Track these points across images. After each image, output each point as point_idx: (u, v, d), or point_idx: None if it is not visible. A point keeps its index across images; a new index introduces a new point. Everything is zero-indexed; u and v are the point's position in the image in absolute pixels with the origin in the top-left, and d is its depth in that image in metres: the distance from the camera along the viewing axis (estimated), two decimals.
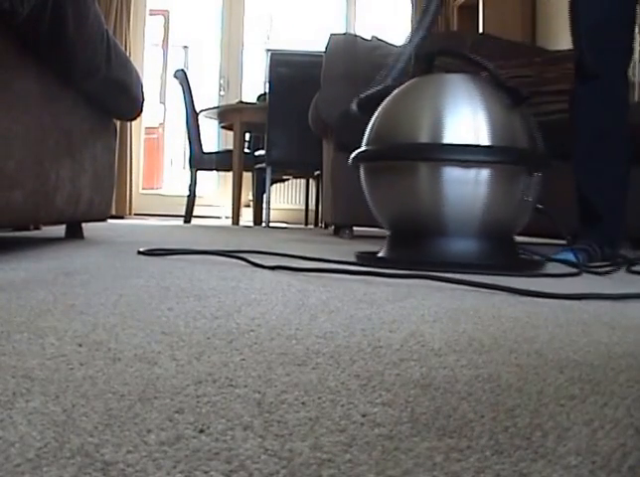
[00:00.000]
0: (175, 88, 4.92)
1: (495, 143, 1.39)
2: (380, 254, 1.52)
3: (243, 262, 1.33)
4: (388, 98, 1.55)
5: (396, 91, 1.55)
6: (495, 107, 1.44)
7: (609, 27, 1.64)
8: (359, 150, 1.56)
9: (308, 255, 1.44)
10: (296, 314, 0.72)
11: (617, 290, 1.01)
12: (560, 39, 4.93)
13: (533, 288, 0.98)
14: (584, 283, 1.20)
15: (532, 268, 1.42)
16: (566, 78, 3.36)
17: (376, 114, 1.57)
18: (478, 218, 1.40)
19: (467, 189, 1.38)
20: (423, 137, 1.42)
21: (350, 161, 1.61)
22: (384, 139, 1.51)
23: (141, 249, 1.49)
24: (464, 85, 1.46)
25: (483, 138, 1.39)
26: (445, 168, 1.39)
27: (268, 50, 4.84)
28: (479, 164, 1.38)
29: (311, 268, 1.17)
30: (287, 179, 5.14)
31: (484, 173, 1.38)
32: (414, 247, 1.44)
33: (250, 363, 0.49)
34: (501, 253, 1.44)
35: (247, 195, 5.32)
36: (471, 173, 1.38)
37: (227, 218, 5.28)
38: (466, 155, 1.37)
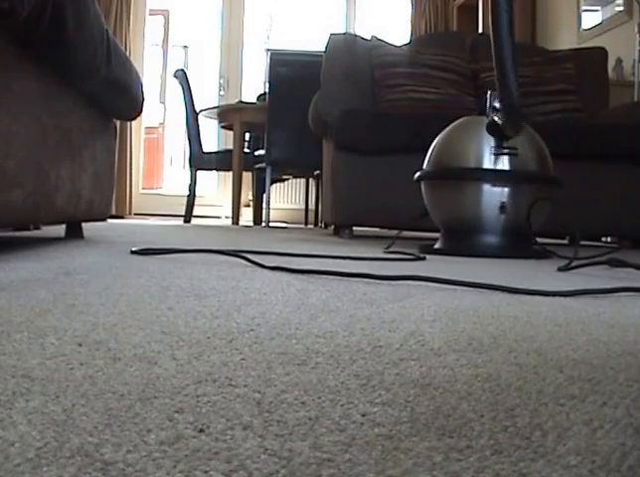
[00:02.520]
0: (175, 88, 4.92)
1: (513, 169, 1.94)
2: (436, 246, 2.06)
3: (243, 262, 1.34)
4: (445, 131, 2.09)
5: (450, 127, 2.08)
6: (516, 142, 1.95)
7: None
8: (422, 170, 2.12)
9: (308, 254, 1.44)
10: (296, 314, 0.72)
11: (608, 286, 1.02)
12: (560, 39, 4.93)
13: (536, 288, 0.98)
14: (578, 280, 1.20)
15: (540, 257, 1.92)
16: (566, 77, 3.36)
17: (435, 142, 2.10)
18: (503, 220, 1.93)
19: (497, 200, 1.93)
20: (470, 163, 1.98)
21: (415, 178, 2.14)
22: (441, 163, 2.06)
23: (134, 249, 1.49)
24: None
25: (506, 165, 1.94)
26: (483, 185, 1.95)
27: (268, 50, 4.83)
28: (503, 183, 1.94)
29: (311, 270, 1.17)
30: (287, 179, 5.14)
31: (506, 189, 1.94)
32: (460, 241, 2.00)
33: (250, 362, 0.49)
34: (519, 245, 1.97)
35: (247, 195, 5.32)
36: (498, 189, 1.93)
37: (227, 217, 5.28)
38: (495, 177, 1.94)
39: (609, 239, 3.54)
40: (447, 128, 2.09)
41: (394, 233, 3.71)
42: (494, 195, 1.93)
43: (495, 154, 1.92)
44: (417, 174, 2.13)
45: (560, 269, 1.45)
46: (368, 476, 0.29)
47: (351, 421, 0.36)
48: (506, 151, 1.91)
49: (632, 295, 1.01)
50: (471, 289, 1.02)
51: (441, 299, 0.89)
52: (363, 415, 0.37)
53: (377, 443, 0.33)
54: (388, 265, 1.42)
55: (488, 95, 1.94)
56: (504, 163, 1.93)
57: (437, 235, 2.16)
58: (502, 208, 1.90)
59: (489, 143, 1.95)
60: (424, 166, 2.12)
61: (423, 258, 1.69)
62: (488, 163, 1.94)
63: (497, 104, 1.86)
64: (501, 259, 1.82)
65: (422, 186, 2.13)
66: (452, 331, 0.65)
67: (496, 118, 1.89)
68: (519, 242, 1.97)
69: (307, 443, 0.32)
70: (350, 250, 1.91)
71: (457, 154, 2.01)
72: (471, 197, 1.97)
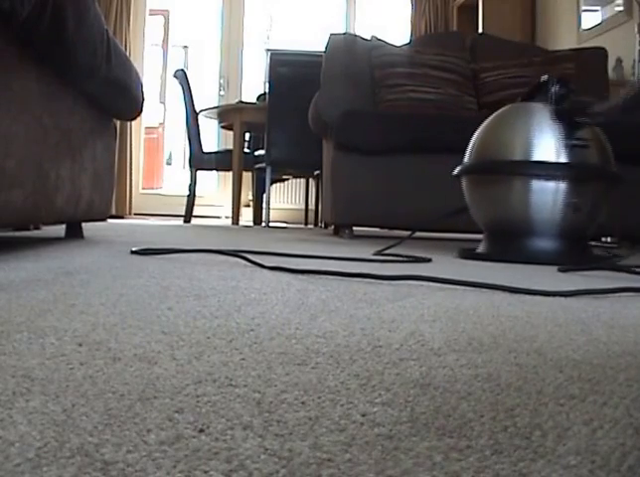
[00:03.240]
0: (175, 88, 4.92)
1: (571, 161, 1.68)
2: (478, 250, 1.83)
3: (243, 262, 1.34)
4: (489, 120, 1.86)
5: (493, 116, 1.86)
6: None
7: None
8: (463, 164, 1.87)
9: (309, 254, 1.44)
10: (296, 314, 0.72)
11: (608, 286, 1.02)
12: (560, 39, 4.92)
13: (537, 287, 0.98)
14: (578, 281, 1.20)
15: (600, 264, 1.65)
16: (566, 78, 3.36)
17: (477, 132, 1.87)
18: (558, 222, 1.70)
19: (549, 198, 1.69)
20: (516, 155, 1.73)
21: (454, 173, 1.90)
22: (484, 156, 1.82)
23: (134, 249, 1.49)
24: (548, 113, 1.73)
25: (562, 156, 1.69)
26: (533, 181, 1.70)
27: (268, 50, 4.83)
28: (558, 178, 1.68)
29: (311, 270, 1.17)
30: (287, 179, 5.14)
31: (562, 185, 1.69)
32: (506, 245, 1.76)
33: (250, 362, 0.49)
34: (575, 251, 1.73)
35: (247, 195, 5.32)
36: (552, 185, 1.69)
37: (227, 217, 5.28)
38: (549, 171, 1.69)
39: (609, 239, 3.54)
40: (491, 116, 1.87)
41: (394, 233, 3.70)
42: (548, 192, 1.69)
43: (566, 146, 1.66)
44: (458, 168, 1.89)
45: (560, 270, 1.45)
46: (368, 476, 0.29)
47: (351, 421, 0.36)
48: (575, 142, 1.67)
49: (632, 295, 1.01)
50: (472, 289, 1.01)
51: (442, 299, 0.89)
52: (363, 415, 0.37)
53: (377, 443, 0.33)
54: (389, 266, 1.42)
55: (545, 81, 1.75)
56: (559, 156, 1.69)
57: (476, 236, 1.94)
58: (575, 208, 1.65)
59: (545, 132, 1.71)
60: (465, 159, 1.88)
61: (429, 260, 1.56)
62: (540, 155, 1.70)
63: (557, 90, 1.67)
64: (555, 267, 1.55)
65: (463, 182, 1.90)
66: (452, 331, 0.65)
67: (573, 105, 1.68)
68: (576, 247, 1.73)
69: (307, 443, 0.32)
70: (350, 251, 1.91)
71: (505, 145, 1.76)
72: (522, 194, 1.72)
